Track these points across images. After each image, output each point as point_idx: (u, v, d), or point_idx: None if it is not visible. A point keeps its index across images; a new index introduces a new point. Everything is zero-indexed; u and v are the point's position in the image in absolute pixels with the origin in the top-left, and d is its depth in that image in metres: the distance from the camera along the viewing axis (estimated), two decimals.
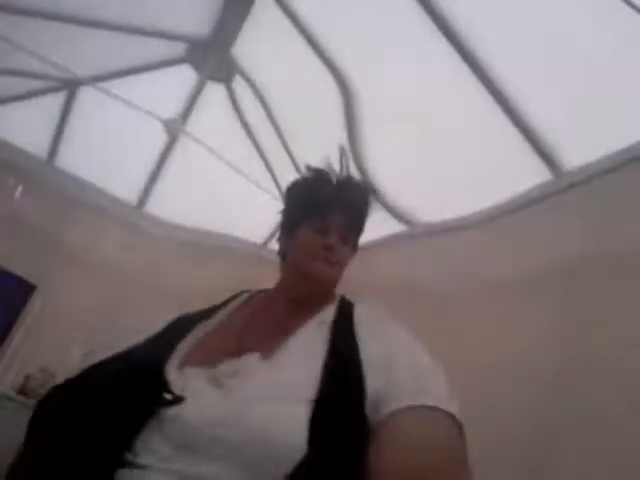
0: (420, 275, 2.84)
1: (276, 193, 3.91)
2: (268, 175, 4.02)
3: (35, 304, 3.97)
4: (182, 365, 0.79)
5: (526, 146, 2.33)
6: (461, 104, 2.50)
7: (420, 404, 0.70)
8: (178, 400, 0.69)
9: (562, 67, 2.14)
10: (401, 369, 0.76)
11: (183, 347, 0.84)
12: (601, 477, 1.57)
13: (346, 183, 0.98)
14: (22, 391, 3.74)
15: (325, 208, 0.94)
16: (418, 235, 3.09)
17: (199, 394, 0.73)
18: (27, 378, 3.79)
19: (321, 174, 0.99)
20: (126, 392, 0.70)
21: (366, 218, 1.01)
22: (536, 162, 2.35)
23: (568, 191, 2.25)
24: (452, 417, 0.70)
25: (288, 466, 0.62)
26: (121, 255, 4.22)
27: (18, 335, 3.89)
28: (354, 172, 1.03)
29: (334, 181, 0.97)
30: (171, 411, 0.67)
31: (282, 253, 1.00)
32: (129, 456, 0.64)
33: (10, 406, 3.59)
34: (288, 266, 0.97)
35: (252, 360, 0.79)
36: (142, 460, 0.64)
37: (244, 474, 0.62)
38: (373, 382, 0.74)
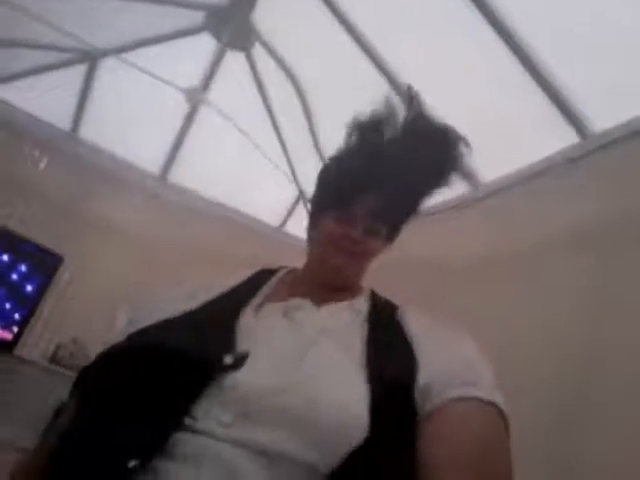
0: (449, 249, 2.79)
1: (288, 171, 3.89)
2: (283, 153, 4.00)
3: (63, 275, 4.04)
4: (258, 308, 0.81)
5: (553, 109, 2.28)
6: (488, 70, 2.45)
7: (471, 396, 0.69)
8: (237, 365, 0.67)
9: (589, 30, 2.08)
10: (451, 360, 0.75)
11: (255, 302, 0.84)
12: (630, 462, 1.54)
13: (400, 144, 0.85)
14: (53, 359, 3.83)
15: (349, 195, 0.84)
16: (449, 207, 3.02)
17: (270, 334, 0.75)
18: (58, 347, 3.88)
19: (371, 130, 0.86)
20: (185, 357, 0.68)
21: (419, 196, 0.89)
22: (563, 125, 2.29)
23: (592, 155, 2.19)
24: (500, 410, 0.70)
25: (349, 445, 0.62)
26: (146, 224, 4.25)
27: (48, 305, 3.96)
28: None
29: (388, 137, 0.85)
30: (231, 378, 0.66)
31: (307, 237, 0.97)
32: (188, 420, 0.64)
33: (41, 374, 3.70)
34: (311, 252, 0.95)
35: (304, 301, 0.84)
36: (201, 425, 0.63)
37: (303, 446, 0.62)
38: (424, 372, 0.73)
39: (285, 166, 3.93)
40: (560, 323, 1.97)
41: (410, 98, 0.88)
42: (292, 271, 0.99)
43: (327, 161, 0.94)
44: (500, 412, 0.70)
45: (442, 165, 0.86)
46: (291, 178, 3.85)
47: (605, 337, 1.80)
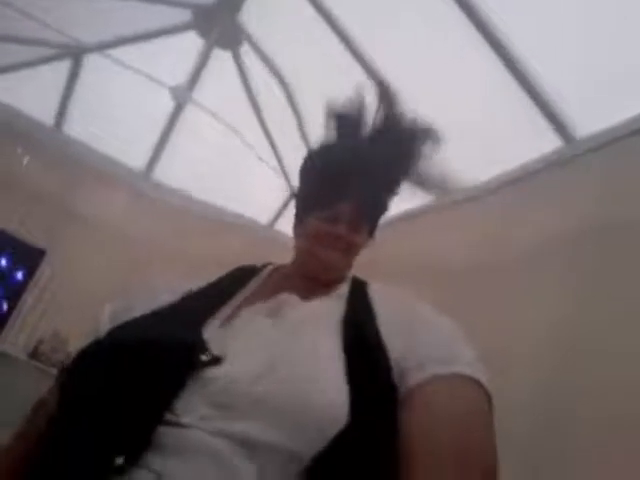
0: (435, 250, 2.80)
1: (277, 167, 3.90)
2: (272, 150, 4.01)
3: (45, 269, 4.02)
4: (227, 321, 0.79)
5: (537, 113, 2.31)
6: (473, 72, 2.47)
7: (450, 372, 0.69)
8: (216, 361, 0.68)
9: (574, 34, 2.10)
10: (425, 336, 0.75)
11: (225, 311, 0.82)
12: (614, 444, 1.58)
13: (376, 142, 0.89)
14: (34, 355, 3.81)
15: (333, 197, 0.87)
16: (431, 209, 3.03)
17: (245, 340, 0.74)
18: (39, 342, 3.86)
19: (347, 126, 0.91)
20: (163, 353, 0.69)
21: (395, 191, 0.93)
22: (547, 129, 2.33)
23: (580, 158, 2.22)
24: (481, 386, 0.70)
25: (330, 431, 0.63)
26: (128, 221, 4.24)
27: (29, 300, 3.95)
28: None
29: (363, 134, 0.89)
30: (210, 372, 0.67)
31: (294, 233, 0.98)
32: (170, 415, 0.64)
33: (21, 369, 3.68)
34: (298, 248, 0.96)
35: (292, 296, 0.84)
36: (183, 419, 0.64)
37: (285, 435, 0.62)
38: (395, 350, 0.73)
39: (274, 163, 3.94)
40: (544, 327, 1.99)
41: (381, 95, 0.92)
42: (279, 268, 1.00)
43: (306, 158, 0.97)
44: (481, 386, 0.70)
45: (409, 165, 0.91)
46: (280, 174, 3.85)
47: (589, 341, 1.83)
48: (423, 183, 0.92)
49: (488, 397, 0.70)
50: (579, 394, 1.76)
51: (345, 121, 0.92)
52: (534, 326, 2.03)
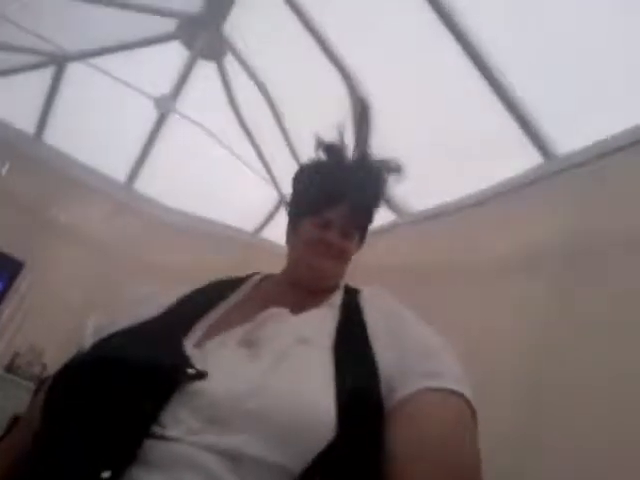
0: (414, 261, 2.85)
1: (266, 176, 3.89)
2: (259, 159, 4.00)
3: (23, 281, 3.95)
4: (200, 342, 0.78)
5: (518, 130, 2.33)
6: (452, 87, 2.49)
7: (436, 387, 0.70)
8: (201, 375, 0.68)
9: (555, 51, 2.13)
10: (413, 349, 0.76)
11: (200, 327, 0.82)
12: (593, 436, 1.64)
13: (358, 168, 0.95)
14: (10, 368, 3.74)
15: (327, 203, 0.92)
16: (409, 223, 3.09)
17: (226, 361, 0.73)
18: (15, 355, 3.78)
19: (334, 154, 0.96)
20: (148, 366, 0.68)
21: (376, 208, 0.99)
22: (528, 146, 2.35)
23: (559, 175, 2.26)
24: (466, 401, 0.70)
25: (317, 445, 0.62)
26: (109, 233, 4.19)
27: (6, 313, 3.87)
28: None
29: (347, 161, 0.95)
30: (195, 386, 0.66)
31: (287, 241, 1.00)
32: (157, 428, 0.63)
33: None
34: (291, 256, 0.97)
35: (282, 310, 0.83)
36: (170, 432, 0.63)
37: (273, 448, 0.62)
38: (384, 363, 0.74)
39: (259, 172, 3.92)
40: (515, 332, 2.08)
41: (359, 114, 0.98)
42: (268, 277, 1.00)
43: (300, 169, 1.01)
44: (466, 402, 0.70)
45: (384, 187, 0.97)
46: (265, 184, 3.84)
47: (556, 344, 1.90)
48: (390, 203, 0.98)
49: (472, 411, 0.71)
50: (562, 396, 1.82)
51: (332, 149, 0.97)
52: (514, 332, 2.10)
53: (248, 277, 1.00)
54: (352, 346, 0.77)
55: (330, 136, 0.98)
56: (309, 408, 0.65)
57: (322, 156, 0.98)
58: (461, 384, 0.71)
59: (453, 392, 0.70)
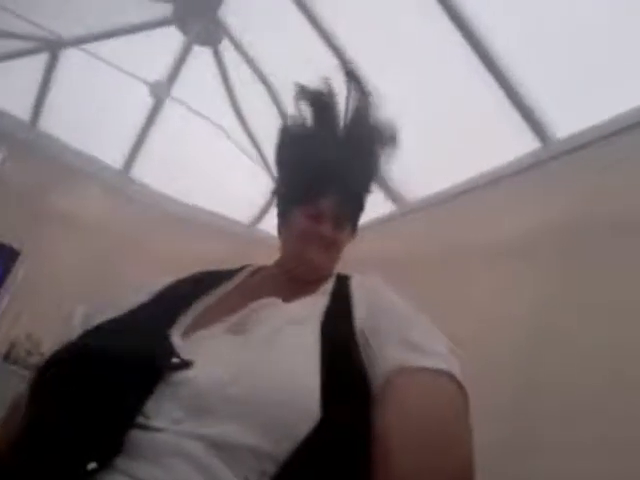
0: (413, 249, 2.85)
1: (262, 163, 3.87)
2: (253, 146, 3.97)
3: (19, 270, 3.93)
4: (187, 332, 0.77)
5: (515, 114, 2.32)
6: (450, 71, 2.47)
7: (425, 366, 0.69)
8: (186, 365, 0.67)
9: (553, 34, 2.12)
10: (401, 331, 0.75)
11: (185, 320, 0.81)
12: (593, 419, 1.65)
13: (348, 140, 0.90)
14: (7, 357, 3.73)
15: (318, 191, 0.89)
16: (407, 212, 3.09)
17: (212, 349, 0.72)
18: (13, 344, 3.78)
19: (319, 114, 0.91)
20: (132, 357, 0.68)
21: (369, 191, 0.95)
22: (525, 131, 2.33)
23: (556, 160, 2.25)
24: (454, 379, 0.69)
25: (302, 429, 0.61)
26: (106, 221, 4.17)
27: (3, 302, 3.86)
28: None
29: (335, 129, 0.90)
30: (180, 375, 0.66)
31: (278, 232, 0.98)
32: (141, 419, 0.63)
33: None
34: (283, 247, 0.96)
35: (275, 300, 0.81)
36: (154, 423, 0.63)
37: (258, 435, 0.61)
38: (371, 345, 0.73)
39: (255, 158, 3.90)
40: (515, 317, 2.08)
41: (351, 83, 0.92)
42: (261, 269, 0.99)
43: (281, 140, 0.96)
44: (455, 381, 0.69)
45: (375, 165, 0.93)
46: (261, 170, 3.81)
47: (556, 327, 1.91)
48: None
49: (463, 391, 0.70)
50: (561, 377, 1.82)
51: (320, 105, 0.92)
52: (512, 315, 2.10)
53: (241, 269, 0.99)
54: (339, 327, 0.76)
55: (314, 86, 0.92)
56: (293, 393, 0.64)
57: (305, 112, 0.92)
58: (449, 362, 0.70)
59: (442, 371, 0.69)
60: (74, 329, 0.82)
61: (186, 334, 0.77)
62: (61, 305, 3.56)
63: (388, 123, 0.93)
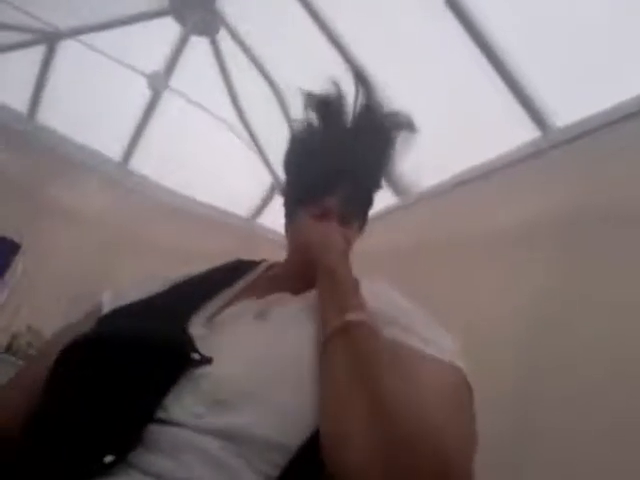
0: (416, 240, 2.85)
1: (260, 155, 3.86)
2: (251, 138, 3.96)
3: (19, 263, 3.93)
4: (210, 321, 0.78)
5: (515, 103, 2.31)
6: (451, 62, 2.46)
7: (432, 355, 0.69)
8: (206, 360, 0.67)
9: (553, 23, 2.11)
10: (410, 327, 0.74)
11: (209, 308, 0.81)
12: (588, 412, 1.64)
13: (358, 135, 0.89)
14: (9, 349, 3.74)
15: (324, 189, 0.87)
16: (412, 203, 3.08)
17: (234, 338, 0.73)
18: (14, 337, 3.78)
19: (326, 115, 0.90)
20: (155, 349, 0.68)
21: (379, 187, 0.94)
22: (525, 119, 2.32)
23: (557, 148, 2.24)
24: (461, 372, 0.70)
25: (316, 420, 0.62)
26: (105, 213, 4.17)
27: (3, 294, 3.86)
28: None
29: (344, 127, 0.89)
30: (200, 370, 0.67)
31: (285, 231, 0.97)
32: (161, 413, 0.63)
33: None
34: (290, 246, 0.95)
35: (286, 295, 0.83)
36: (175, 417, 0.63)
37: (276, 427, 0.62)
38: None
39: (253, 150, 3.89)
40: (517, 306, 2.07)
41: (359, 83, 0.91)
42: (273, 265, 0.99)
43: (292, 145, 0.95)
44: (460, 372, 0.70)
45: (390, 156, 0.92)
46: (260, 162, 3.81)
47: (556, 317, 1.91)
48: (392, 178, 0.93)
49: (468, 385, 0.70)
50: (562, 368, 1.81)
51: (327, 108, 0.91)
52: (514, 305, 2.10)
53: (258, 263, 0.99)
54: None
55: (321, 90, 0.91)
56: (309, 385, 0.64)
57: (312, 117, 0.92)
58: (458, 359, 0.71)
59: (447, 363, 0.69)
60: (101, 314, 0.82)
61: (209, 323, 0.77)
62: (61, 297, 3.56)
63: (402, 116, 0.91)
